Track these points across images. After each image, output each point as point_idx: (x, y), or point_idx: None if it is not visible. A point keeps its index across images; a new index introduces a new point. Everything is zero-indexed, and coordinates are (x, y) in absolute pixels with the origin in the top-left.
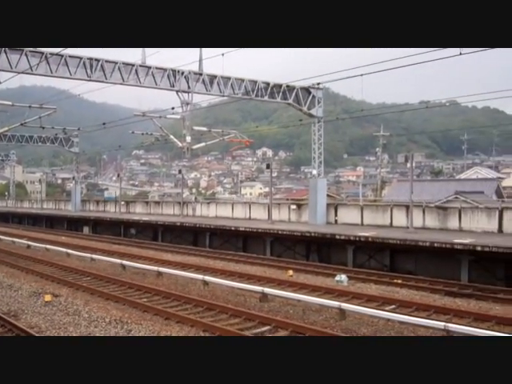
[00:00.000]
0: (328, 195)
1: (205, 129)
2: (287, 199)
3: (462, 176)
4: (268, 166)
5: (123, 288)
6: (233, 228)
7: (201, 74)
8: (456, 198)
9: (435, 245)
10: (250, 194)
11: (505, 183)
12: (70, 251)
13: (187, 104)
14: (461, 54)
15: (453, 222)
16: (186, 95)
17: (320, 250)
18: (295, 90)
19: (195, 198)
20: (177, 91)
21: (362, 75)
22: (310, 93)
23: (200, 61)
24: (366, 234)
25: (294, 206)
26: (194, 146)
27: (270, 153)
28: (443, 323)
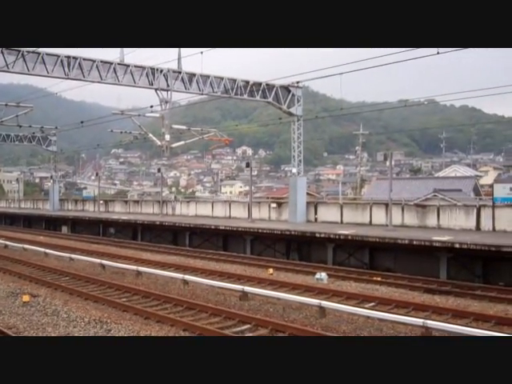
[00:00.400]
0: (308, 193)
1: (184, 127)
2: (267, 198)
3: (441, 174)
4: (248, 165)
5: (102, 288)
6: (213, 227)
7: (180, 72)
8: (434, 195)
9: (414, 242)
10: (230, 192)
11: (482, 181)
12: (48, 251)
13: (166, 102)
14: (438, 53)
15: (431, 220)
16: (164, 93)
17: (300, 248)
18: (275, 89)
19: (175, 197)
20: (156, 89)
21: (341, 74)
22: (289, 91)
23: (179, 59)
24: (346, 232)
25: (274, 205)
26: (174, 145)
27: (249, 151)
28: (422, 320)
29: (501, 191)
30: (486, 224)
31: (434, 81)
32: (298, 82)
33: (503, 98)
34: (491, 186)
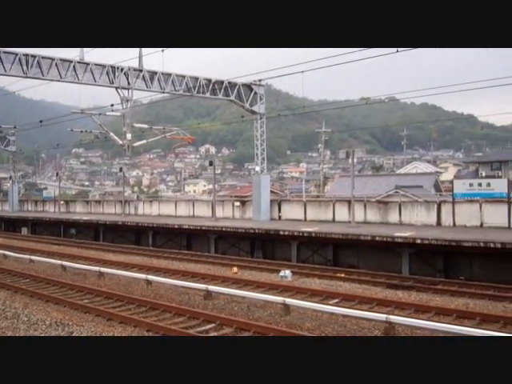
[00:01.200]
0: (271, 191)
1: (146, 126)
2: (231, 196)
3: (402, 171)
4: (211, 163)
5: (64, 289)
6: (176, 226)
7: (141, 71)
8: (396, 192)
9: (376, 239)
10: (194, 191)
11: (443, 177)
12: (7, 253)
13: (127, 101)
14: (397, 51)
15: (393, 216)
16: (125, 92)
17: (264, 246)
18: (237, 87)
19: (137, 197)
20: (116, 88)
21: (302, 72)
22: (251, 89)
23: (140, 57)
24: (310, 230)
25: (237, 203)
26: (135, 144)
27: (213, 150)
28: (385, 315)
29: (460, 187)
30: (446, 219)
31: (394, 79)
32: (260, 80)
33: (462, 96)
34: (451, 182)
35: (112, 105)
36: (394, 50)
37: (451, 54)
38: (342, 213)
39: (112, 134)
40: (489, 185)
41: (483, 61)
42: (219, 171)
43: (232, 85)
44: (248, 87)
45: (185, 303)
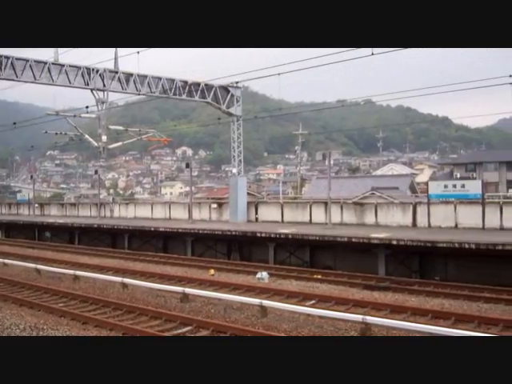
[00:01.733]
0: (249, 193)
1: (121, 128)
2: (208, 198)
3: (378, 172)
4: (188, 165)
5: (38, 293)
6: (152, 228)
7: (116, 72)
8: (372, 193)
9: (353, 240)
10: (171, 193)
11: (418, 179)
12: None
13: (103, 103)
14: (373, 54)
15: (369, 218)
16: (101, 94)
17: (241, 248)
18: (214, 89)
19: (113, 199)
20: (92, 89)
21: (279, 74)
22: (228, 91)
23: (115, 59)
24: (287, 231)
25: (214, 205)
26: (111, 146)
27: (189, 152)
28: (361, 316)
29: (435, 188)
30: (421, 221)
31: (370, 81)
32: (237, 82)
33: (436, 98)
34: (426, 183)
35: (87, 107)
36: (369, 51)
37: (426, 56)
38: (318, 214)
39: (87, 136)
40: (463, 186)
41: (457, 63)
42: (196, 173)
43: (209, 87)
44: (225, 89)
45: (161, 306)
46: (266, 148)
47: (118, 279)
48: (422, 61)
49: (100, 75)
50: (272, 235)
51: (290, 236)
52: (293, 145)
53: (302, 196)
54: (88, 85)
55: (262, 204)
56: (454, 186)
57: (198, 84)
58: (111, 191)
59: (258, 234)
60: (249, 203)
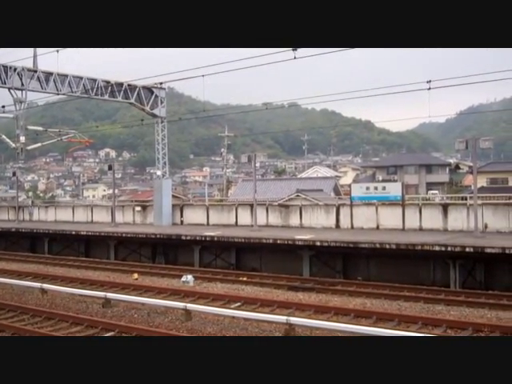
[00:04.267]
0: (174, 196)
1: (40, 128)
2: (132, 201)
3: (303, 175)
4: (110, 168)
5: None
6: (73, 232)
7: (35, 71)
8: (297, 195)
9: (278, 242)
10: (93, 196)
11: (342, 181)
12: None
13: (21, 102)
14: (295, 58)
15: (294, 219)
16: (19, 93)
17: (166, 251)
18: (137, 89)
19: (32, 202)
20: (9, 89)
21: (203, 76)
22: (152, 92)
23: (34, 57)
24: (212, 234)
25: (138, 208)
26: (29, 147)
27: (113, 153)
28: (285, 317)
29: (358, 190)
30: (345, 222)
31: (295, 85)
32: (161, 83)
33: (357, 102)
34: (350, 185)
35: (3, 106)
36: (292, 55)
37: (347, 60)
38: (244, 216)
39: (4, 136)
40: (384, 188)
41: (379, 68)
42: (120, 175)
43: (132, 87)
44: (148, 90)
45: (82, 312)
46: (191, 150)
47: (37, 285)
48: (347, 64)
49: (18, 74)
50: (197, 238)
51: (215, 239)
52: (219, 147)
53: (228, 198)
54: (5, 83)
55: (188, 207)
56: (376, 188)
57: (121, 84)
58: (30, 194)
59: (183, 237)
60: (174, 206)
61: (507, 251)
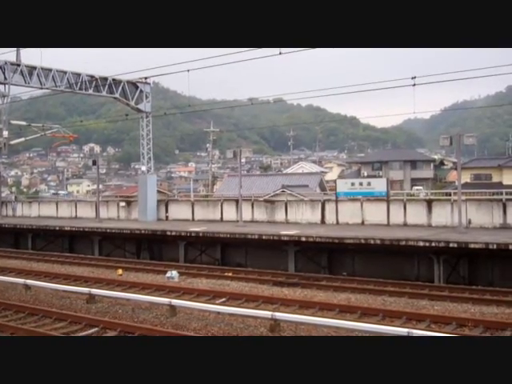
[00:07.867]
0: (159, 191)
1: (24, 123)
2: (116, 196)
3: (289, 170)
4: (94, 163)
5: None
6: (57, 228)
7: (19, 65)
8: (283, 191)
9: (263, 237)
10: (77, 191)
11: (327, 177)
12: None
13: (4, 96)
14: (280, 53)
15: (280, 215)
16: (1, 87)
17: (151, 247)
18: (122, 84)
19: (15, 197)
20: None
21: (188, 71)
22: (137, 87)
23: (17, 51)
24: (197, 229)
25: (123, 203)
26: (12, 142)
27: (97, 148)
28: (270, 313)
29: (343, 186)
30: (330, 217)
31: (281, 81)
32: (146, 78)
33: (342, 98)
34: (335, 181)
35: None
36: (277, 51)
37: (331, 56)
38: (230, 212)
39: None
40: (369, 184)
41: (365, 64)
42: (104, 171)
43: (116, 82)
44: (133, 85)
45: (66, 308)
46: (177, 145)
47: (21, 281)
48: (333, 60)
49: (1, 67)
50: (182, 233)
51: (200, 234)
52: (204, 142)
53: (214, 194)
54: None
55: (173, 202)
56: (361, 184)
57: (106, 79)
58: (14, 189)
59: (168, 233)
60: (159, 201)
61: (490, 246)
